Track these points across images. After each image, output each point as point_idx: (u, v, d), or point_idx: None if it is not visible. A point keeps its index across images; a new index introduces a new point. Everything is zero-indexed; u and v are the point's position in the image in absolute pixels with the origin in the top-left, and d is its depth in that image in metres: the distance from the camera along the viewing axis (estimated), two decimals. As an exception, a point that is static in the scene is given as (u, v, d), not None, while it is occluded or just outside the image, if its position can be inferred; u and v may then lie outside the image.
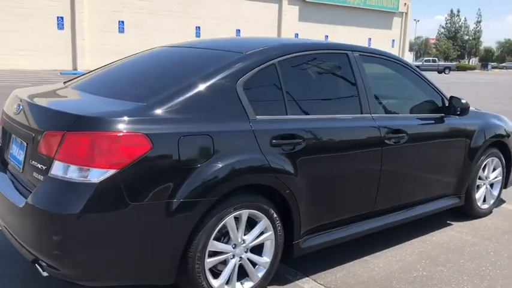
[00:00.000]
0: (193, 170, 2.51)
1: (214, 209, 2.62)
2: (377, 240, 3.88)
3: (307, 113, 3.16)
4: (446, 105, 4.07)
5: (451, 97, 4.04)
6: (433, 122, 3.96)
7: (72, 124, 2.38)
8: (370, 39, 37.41)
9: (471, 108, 4.57)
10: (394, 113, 3.83)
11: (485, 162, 4.49)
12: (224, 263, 2.79)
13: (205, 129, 2.59)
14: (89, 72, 3.64)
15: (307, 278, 3.25)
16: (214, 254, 2.72)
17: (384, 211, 3.69)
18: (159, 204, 2.42)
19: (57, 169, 2.35)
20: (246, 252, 2.85)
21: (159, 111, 2.51)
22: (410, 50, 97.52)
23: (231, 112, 2.75)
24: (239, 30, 29.35)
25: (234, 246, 2.79)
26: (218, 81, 2.76)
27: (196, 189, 2.50)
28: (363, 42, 36.57)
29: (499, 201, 4.97)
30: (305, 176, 3.01)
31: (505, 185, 4.83)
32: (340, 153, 3.25)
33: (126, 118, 2.39)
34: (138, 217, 2.38)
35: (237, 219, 2.77)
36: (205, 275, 2.67)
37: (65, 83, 3.41)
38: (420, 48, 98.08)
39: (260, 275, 2.94)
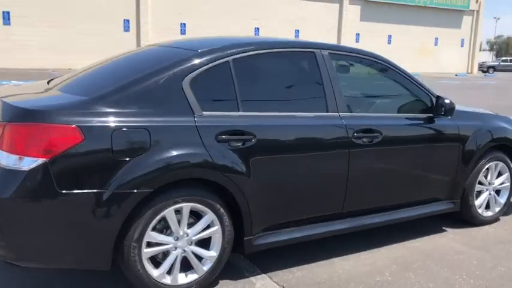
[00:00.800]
0: (127, 162, 2.61)
1: (152, 201, 2.71)
2: (357, 242, 3.79)
3: (261, 111, 3.14)
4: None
5: (437, 97, 3.85)
6: (416, 122, 3.80)
7: (13, 115, 2.57)
8: (436, 38, 35.83)
9: (473, 109, 4.35)
10: (371, 112, 3.71)
11: (486, 167, 4.22)
12: (167, 253, 2.87)
13: (143, 123, 2.69)
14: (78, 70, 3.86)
15: (263, 275, 3.26)
16: (155, 244, 2.81)
17: (355, 213, 3.59)
18: (90, 194, 2.55)
19: (1, 157, 2.55)
20: (189, 245, 2.91)
21: (97, 105, 2.64)
22: (491, 49, 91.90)
23: (175, 107, 2.83)
24: (298, 30, 29.29)
25: (176, 238, 2.86)
26: (163, 78, 2.85)
27: (129, 181, 2.61)
28: (428, 42, 35.17)
29: None
30: (257, 173, 3.01)
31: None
32: (298, 152, 3.22)
33: (60, 111, 2.55)
34: (67, 205, 2.52)
35: (179, 212, 2.84)
36: (143, 263, 2.76)
37: (48, 82, 3.62)
38: (501, 47, 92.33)
39: (206, 268, 2.99)
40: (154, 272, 2.82)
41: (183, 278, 2.94)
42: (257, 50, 3.23)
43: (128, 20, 24.74)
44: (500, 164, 4.33)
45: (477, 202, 4.28)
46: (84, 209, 2.56)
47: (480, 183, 4.25)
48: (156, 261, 2.86)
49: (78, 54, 23.16)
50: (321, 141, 3.32)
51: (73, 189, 2.51)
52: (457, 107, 3.92)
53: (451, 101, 3.80)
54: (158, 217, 2.76)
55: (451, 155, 3.98)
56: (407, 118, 3.77)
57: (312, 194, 3.35)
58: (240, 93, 3.05)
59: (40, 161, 2.45)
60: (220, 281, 3.13)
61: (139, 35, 24.92)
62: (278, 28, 27.98)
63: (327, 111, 3.37)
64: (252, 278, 3.21)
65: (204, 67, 2.98)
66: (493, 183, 4.37)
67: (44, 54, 22.64)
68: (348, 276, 3.30)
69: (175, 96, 2.85)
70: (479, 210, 4.32)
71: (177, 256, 2.88)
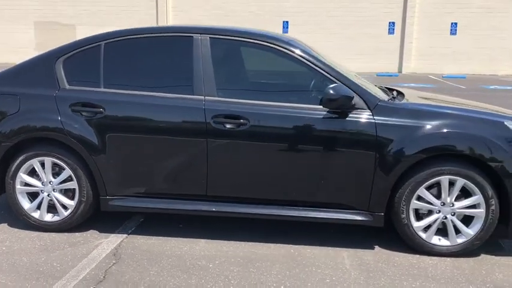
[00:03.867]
0: (1, 119, 3.60)
1: (20, 152, 3.62)
2: (252, 231, 3.73)
3: (120, 89, 3.57)
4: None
5: (331, 87, 3.28)
6: (309, 114, 3.37)
7: None
8: None
9: (431, 107, 3.54)
10: (252, 99, 3.48)
11: (431, 181, 3.30)
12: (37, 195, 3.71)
13: (16, 91, 3.62)
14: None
15: (123, 235, 3.69)
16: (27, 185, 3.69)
17: (227, 199, 3.55)
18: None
19: None
20: (54, 191, 3.68)
21: (-6, 80, 3.72)
22: None
23: (45, 81, 3.64)
24: None
25: (43, 183, 3.68)
26: (42, 58, 3.70)
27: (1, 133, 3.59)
28: None
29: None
30: (107, 142, 3.53)
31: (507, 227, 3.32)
32: (151, 129, 3.51)
33: None
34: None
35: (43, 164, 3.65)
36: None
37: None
38: None
39: (66, 213, 3.69)
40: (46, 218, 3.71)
41: (49, 217, 3.72)
42: (129, 35, 3.66)
43: (393, 23, 24.77)
44: (462, 181, 3.28)
45: (419, 223, 3.39)
46: None
47: (429, 202, 3.35)
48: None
49: (344, 58, 24.82)
50: (177, 121, 3.49)
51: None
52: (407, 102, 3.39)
53: (331, 92, 3.21)
54: (26, 165, 3.63)
55: (361, 158, 3.33)
56: (297, 108, 3.40)
57: (170, 171, 3.55)
58: (105, 72, 3.60)
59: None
60: (85, 233, 3.76)
61: (404, 36, 24.60)
62: None
63: (192, 94, 3.49)
64: (114, 235, 3.70)
65: (77, 50, 3.66)
66: (452, 205, 3.34)
67: (314, 57, 25.08)
68: (192, 255, 3.38)
69: (47, 73, 3.65)
70: (424, 236, 3.40)
71: (42, 198, 3.70)
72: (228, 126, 3.40)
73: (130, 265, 3.22)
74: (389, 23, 24.88)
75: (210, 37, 3.56)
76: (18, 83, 3.68)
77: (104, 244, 3.54)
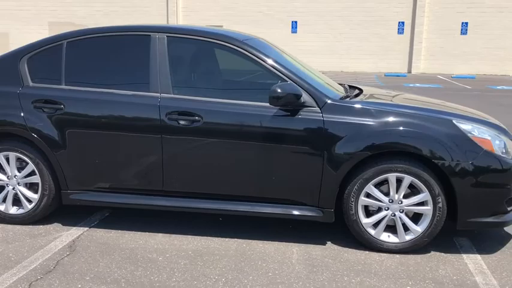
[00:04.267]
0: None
1: None
2: (206, 225, 3.81)
3: (80, 86, 3.69)
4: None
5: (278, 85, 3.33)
6: (261, 112, 3.43)
7: None
8: None
9: (384, 105, 3.58)
10: (206, 96, 3.56)
11: (379, 178, 3.34)
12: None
13: (-18, 88, 3.76)
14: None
15: (87, 229, 3.81)
16: (-2, 179, 3.84)
17: (184, 194, 3.63)
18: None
19: None
20: (19, 185, 3.80)
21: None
22: None
23: (10, 79, 3.77)
24: None
25: (8, 177, 3.81)
26: (8, 56, 3.84)
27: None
28: None
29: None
30: (67, 138, 3.65)
31: (456, 221, 3.35)
32: (109, 125, 3.61)
33: None
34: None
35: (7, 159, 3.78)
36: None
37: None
38: None
39: (30, 206, 3.81)
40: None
41: (14, 210, 3.86)
42: (90, 35, 3.78)
43: (402, 22, 24.59)
44: (409, 178, 3.31)
45: (368, 220, 3.43)
46: None
47: (378, 199, 3.38)
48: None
49: (353, 58, 24.81)
50: (133, 117, 3.59)
51: None
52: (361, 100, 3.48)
53: (278, 89, 3.26)
54: (-8, 159, 3.78)
55: (310, 155, 3.39)
56: (249, 106, 3.46)
57: (128, 167, 3.65)
58: (66, 70, 3.72)
59: None
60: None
61: (413, 36, 24.41)
62: None
63: (148, 91, 3.59)
64: (75, 228, 3.81)
65: (40, 48, 3.79)
66: (400, 202, 3.37)
67: (323, 58, 25.08)
68: (145, 248, 3.48)
69: (12, 71, 3.78)
70: (373, 232, 3.44)
71: (8, 191, 3.82)
72: (181, 122, 3.49)
73: (83, 257, 3.32)
74: (399, 22, 24.70)
75: (167, 36, 3.65)
76: (-16, 80, 3.83)
77: (64, 236, 3.65)
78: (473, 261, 3.33)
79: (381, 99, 3.96)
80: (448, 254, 3.44)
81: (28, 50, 3.83)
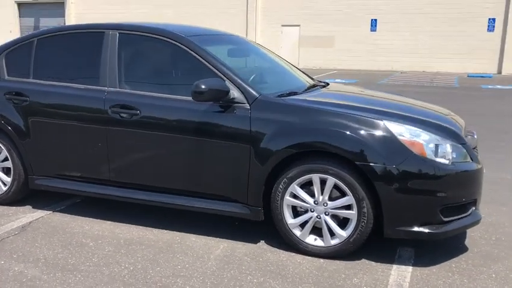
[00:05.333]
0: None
1: None
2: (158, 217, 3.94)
3: (44, 79, 3.98)
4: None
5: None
6: (193, 107, 3.46)
7: None
8: None
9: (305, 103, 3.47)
10: (146, 91, 3.66)
11: (303, 178, 3.22)
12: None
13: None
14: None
15: (48, 212, 4.11)
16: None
17: (129, 185, 3.78)
18: None
19: None
20: (-3, 171, 4.22)
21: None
22: None
23: (-9, 73, 4.18)
24: None
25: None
26: (-7, 52, 4.26)
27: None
28: None
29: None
30: (30, 127, 3.98)
31: (381, 226, 3.14)
32: (65, 116, 3.87)
33: None
34: None
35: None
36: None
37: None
38: None
39: (5, 188, 4.19)
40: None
41: (-7, 191, 4.27)
42: (56, 32, 4.06)
43: (493, 19, 22.69)
44: (332, 180, 3.14)
45: (293, 221, 3.32)
46: None
47: (303, 200, 3.27)
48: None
49: (437, 58, 23.52)
50: (84, 110, 3.81)
51: None
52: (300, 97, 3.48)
53: (201, 85, 3.25)
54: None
55: (237, 151, 3.35)
56: (184, 101, 3.50)
57: (80, 156, 3.88)
58: (35, 64, 4.05)
59: None
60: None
61: (505, 34, 22.43)
62: None
63: (98, 85, 3.78)
64: (41, 211, 4.13)
65: (16, 45, 4.15)
66: (325, 204, 3.22)
67: (404, 57, 24.04)
68: (85, 234, 3.70)
69: (-6, 65, 4.19)
70: (299, 234, 3.31)
71: (-12, 174, 4.25)
72: (123, 115, 3.64)
73: (25, 237, 3.60)
74: (489, 19, 22.85)
75: (118, 33, 3.82)
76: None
77: (25, 218, 3.98)
78: (399, 273, 3.08)
79: (321, 97, 3.78)
80: (378, 263, 3.21)
81: (7, 46, 4.22)
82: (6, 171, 4.21)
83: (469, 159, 3.26)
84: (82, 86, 3.85)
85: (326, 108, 3.32)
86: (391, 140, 3.08)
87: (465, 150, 3.26)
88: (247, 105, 3.37)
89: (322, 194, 3.22)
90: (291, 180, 3.25)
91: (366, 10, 24.88)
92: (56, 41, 4.10)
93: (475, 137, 3.70)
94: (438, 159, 3.08)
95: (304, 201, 3.27)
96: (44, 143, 3.97)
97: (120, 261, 3.22)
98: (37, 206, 4.24)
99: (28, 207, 4.21)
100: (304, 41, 26.50)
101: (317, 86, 4.24)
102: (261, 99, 3.38)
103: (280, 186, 3.28)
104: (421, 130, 3.16)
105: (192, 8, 28.45)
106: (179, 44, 3.62)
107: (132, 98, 3.65)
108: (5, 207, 4.20)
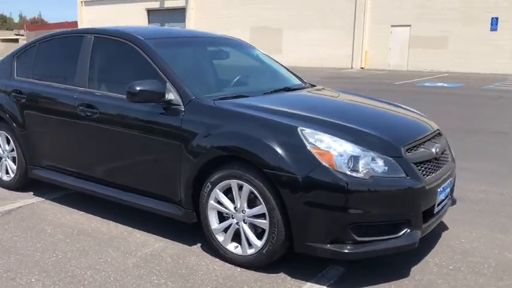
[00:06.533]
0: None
1: None
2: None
3: (40, 79, 4.41)
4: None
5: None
6: (138, 107, 3.57)
7: None
8: None
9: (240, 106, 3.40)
10: (108, 91, 3.90)
11: (224, 184, 3.15)
12: None
13: (-10, 81, 4.82)
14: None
15: (42, 199, 4.54)
16: None
17: (93, 179, 4.04)
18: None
19: None
20: (7, 158, 4.76)
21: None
22: None
23: (7, 73, 4.73)
24: None
25: (3, 151, 4.81)
26: (9, 55, 4.80)
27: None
28: None
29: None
30: (26, 121, 4.45)
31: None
32: (46, 113, 4.27)
33: None
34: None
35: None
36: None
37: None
38: None
39: (12, 176, 4.73)
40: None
41: (6, 178, 4.83)
42: (51, 38, 4.46)
43: None
44: (247, 187, 3.02)
45: (216, 226, 3.26)
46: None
47: (222, 204, 3.20)
48: None
49: None
50: (59, 108, 4.14)
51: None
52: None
53: (133, 86, 3.33)
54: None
55: (170, 153, 3.39)
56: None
57: (59, 149, 4.24)
58: (34, 66, 4.51)
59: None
60: (28, 192, 4.74)
61: None
62: None
63: (73, 85, 4.09)
64: (38, 198, 4.58)
65: (24, 48, 4.66)
66: (243, 212, 3.10)
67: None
68: (53, 223, 4.03)
69: (8, 67, 4.74)
70: (221, 239, 3.24)
71: (1, 163, 4.82)
72: (87, 114, 3.89)
73: (2, 220, 4.02)
74: None
75: (94, 36, 4.08)
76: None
77: (18, 203, 4.44)
78: (305, 292, 2.86)
79: (267, 101, 3.60)
80: (293, 279, 3.01)
81: (20, 49, 4.75)
82: (14, 160, 4.75)
83: (402, 174, 2.90)
84: (62, 86, 4.19)
85: (249, 113, 3.20)
86: (301, 148, 2.87)
87: (398, 164, 2.90)
88: (182, 106, 3.39)
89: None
90: (214, 185, 3.19)
91: (485, 8, 22.77)
92: (50, 45, 4.52)
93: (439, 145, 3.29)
94: (350, 172, 2.79)
95: (225, 207, 3.19)
96: (34, 136, 4.40)
97: (57, 249, 3.46)
98: (37, 193, 4.69)
99: (29, 194, 4.68)
100: (414, 41, 25.12)
101: (294, 89, 4.09)
102: (195, 102, 3.37)
103: (205, 190, 3.24)
104: (337, 139, 2.89)
105: (305, 11, 28.62)
106: (134, 46, 3.77)
107: (92, 97, 3.89)
108: (12, 192, 4.72)
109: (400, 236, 2.91)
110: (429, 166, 3.12)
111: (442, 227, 3.79)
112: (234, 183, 3.10)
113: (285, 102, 3.66)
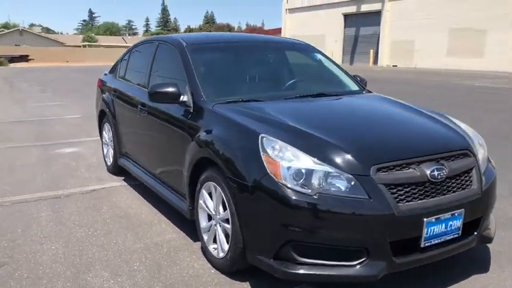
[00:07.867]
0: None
1: None
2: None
3: (126, 79, 5.08)
4: None
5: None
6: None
7: None
8: None
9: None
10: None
11: (206, 185, 3.22)
12: None
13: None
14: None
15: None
16: None
17: (144, 168, 4.55)
18: None
19: None
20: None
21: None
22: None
23: (115, 74, 5.54)
24: None
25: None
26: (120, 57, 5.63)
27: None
28: None
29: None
30: (116, 115, 5.18)
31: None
32: (124, 109, 4.90)
33: None
34: None
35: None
36: None
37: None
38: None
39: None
40: None
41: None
42: (142, 43, 5.07)
43: None
44: (219, 190, 3.03)
45: (204, 224, 3.33)
46: None
47: (206, 204, 3.28)
48: None
49: None
50: (132, 105, 4.69)
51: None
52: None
53: (154, 87, 3.63)
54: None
55: (178, 149, 3.61)
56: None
57: (139, 145, 4.75)
58: (129, 68, 5.21)
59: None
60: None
61: None
62: None
63: (141, 85, 4.61)
64: (118, 183, 5.28)
65: (128, 52, 5.41)
66: (219, 214, 3.11)
67: None
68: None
69: (116, 69, 5.55)
70: (205, 238, 3.30)
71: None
72: (142, 111, 4.36)
73: (80, 197, 4.77)
74: None
75: (159, 42, 4.56)
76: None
77: (105, 184, 5.17)
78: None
79: (275, 108, 3.45)
80: (251, 290, 2.89)
81: (125, 53, 5.51)
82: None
83: (363, 196, 2.53)
84: (136, 86, 4.75)
85: (231, 118, 3.18)
86: (256, 155, 2.75)
87: (359, 184, 2.55)
88: (191, 108, 3.55)
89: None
90: (201, 185, 3.28)
91: None
92: (138, 50, 5.14)
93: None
94: (293, 186, 2.56)
95: (208, 208, 3.25)
96: (119, 130, 5.09)
97: (93, 226, 3.97)
98: (126, 179, 5.38)
99: (119, 178, 5.41)
100: None
101: (330, 94, 3.90)
102: (200, 104, 3.49)
103: (197, 189, 3.35)
104: (294, 150, 2.68)
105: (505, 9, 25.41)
106: (177, 51, 4.06)
107: (146, 97, 4.31)
108: (112, 176, 5.50)
109: (355, 265, 2.55)
110: (415, 191, 2.63)
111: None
112: (211, 185, 3.14)
113: (291, 109, 3.48)
